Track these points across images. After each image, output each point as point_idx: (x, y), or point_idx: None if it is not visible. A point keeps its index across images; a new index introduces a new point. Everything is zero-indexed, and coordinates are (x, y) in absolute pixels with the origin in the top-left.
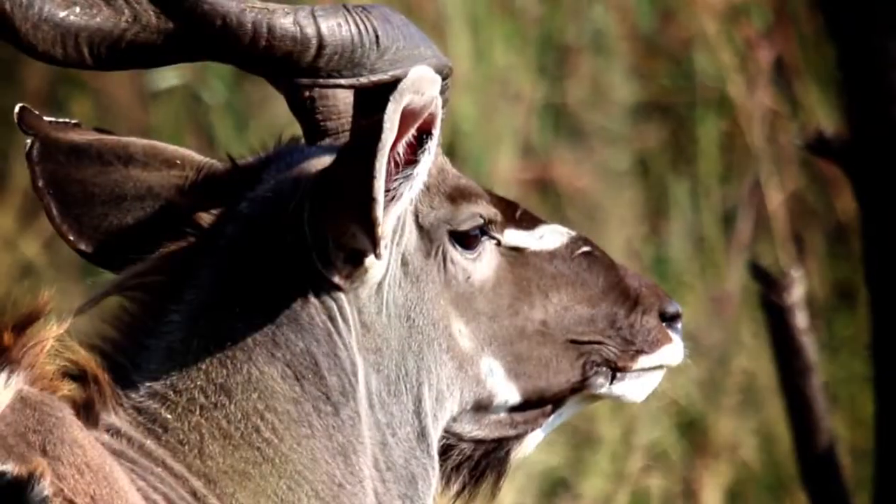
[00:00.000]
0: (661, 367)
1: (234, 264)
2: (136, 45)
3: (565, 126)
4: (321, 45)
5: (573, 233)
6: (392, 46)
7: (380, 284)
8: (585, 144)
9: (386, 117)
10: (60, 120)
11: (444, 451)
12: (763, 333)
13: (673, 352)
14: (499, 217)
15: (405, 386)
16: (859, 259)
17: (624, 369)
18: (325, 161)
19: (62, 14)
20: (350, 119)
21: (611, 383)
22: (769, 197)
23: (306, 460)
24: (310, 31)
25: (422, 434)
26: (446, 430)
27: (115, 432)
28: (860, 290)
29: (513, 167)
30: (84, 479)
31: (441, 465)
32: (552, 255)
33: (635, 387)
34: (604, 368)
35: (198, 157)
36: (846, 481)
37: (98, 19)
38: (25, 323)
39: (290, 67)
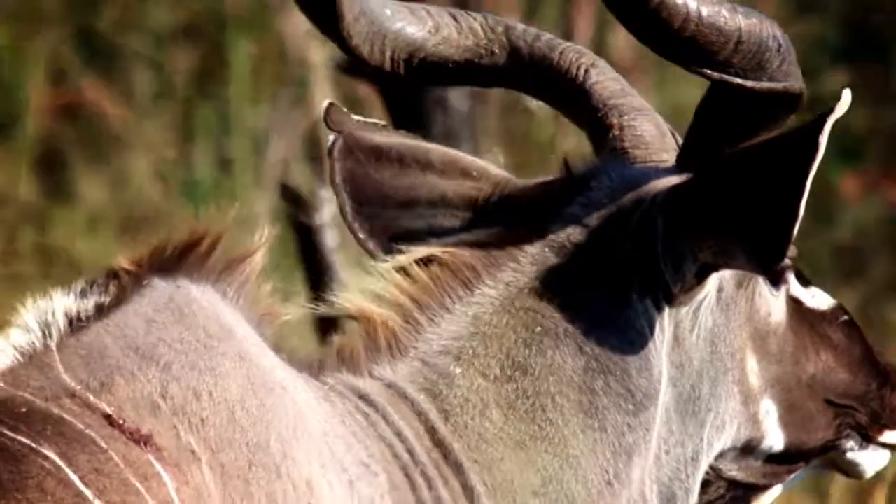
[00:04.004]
0: (894, 447)
1: (560, 259)
2: (433, 60)
3: (97, 51)
4: (739, 41)
5: (835, 301)
6: (787, 58)
7: (699, 305)
8: (117, 69)
9: (822, 137)
10: (368, 120)
11: (702, 486)
12: (294, 253)
13: None
14: (792, 262)
15: (693, 407)
16: None
17: (871, 439)
18: (667, 180)
19: (378, 10)
20: (655, 150)
21: (859, 448)
22: (302, 119)
23: (586, 449)
24: (733, 24)
25: (693, 458)
26: (710, 465)
27: (385, 382)
28: None
29: (43, 94)
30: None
31: (699, 497)
32: (822, 315)
33: (873, 459)
34: (855, 433)
35: (495, 170)
36: None
37: (408, 28)
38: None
39: (706, 58)
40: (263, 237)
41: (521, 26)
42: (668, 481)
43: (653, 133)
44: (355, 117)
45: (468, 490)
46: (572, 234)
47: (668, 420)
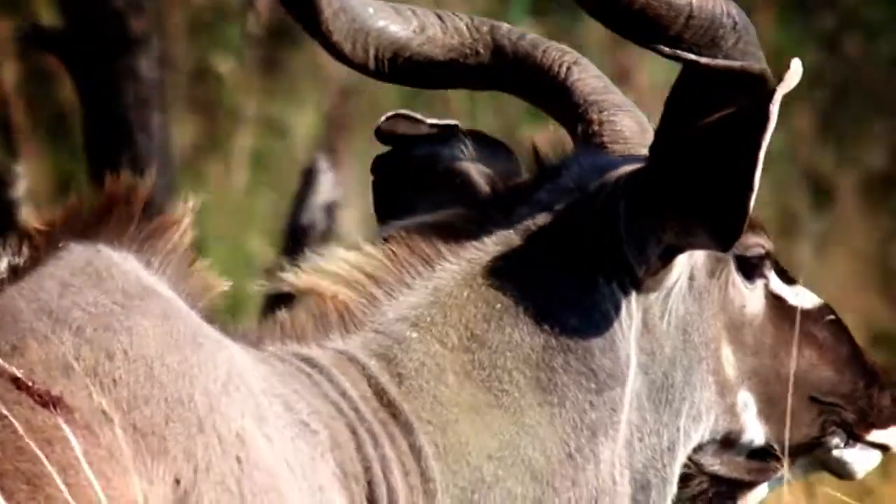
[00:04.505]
0: (884, 447)
1: (525, 241)
2: (418, 59)
3: None
4: (690, 16)
5: (821, 300)
6: (744, 37)
7: (668, 292)
8: None
9: (773, 107)
10: (441, 123)
11: (684, 480)
12: None
13: None
14: (772, 256)
15: (667, 396)
16: (81, 149)
17: (858, 437)
18: (632, 165)
19: (359, 7)
20: (634, 145)
21: (845, 446)
22: None
23: (543, 421)
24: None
25: (669, 448)
26: (690, 458)
27: (334, 350)
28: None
29: None
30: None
31: (679, 493)
32: (807, 314)
33: (861, 458)
34: (841, 431)
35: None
36: None
37: (392, 26)
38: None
39: (657, 33)
40: (188, 207)
41: (505, 26)
42: (642, 468)
43: (632, 129)
44: (429, 121)
45: (416, 450)
46: (539, 217)
47: (641, 407)
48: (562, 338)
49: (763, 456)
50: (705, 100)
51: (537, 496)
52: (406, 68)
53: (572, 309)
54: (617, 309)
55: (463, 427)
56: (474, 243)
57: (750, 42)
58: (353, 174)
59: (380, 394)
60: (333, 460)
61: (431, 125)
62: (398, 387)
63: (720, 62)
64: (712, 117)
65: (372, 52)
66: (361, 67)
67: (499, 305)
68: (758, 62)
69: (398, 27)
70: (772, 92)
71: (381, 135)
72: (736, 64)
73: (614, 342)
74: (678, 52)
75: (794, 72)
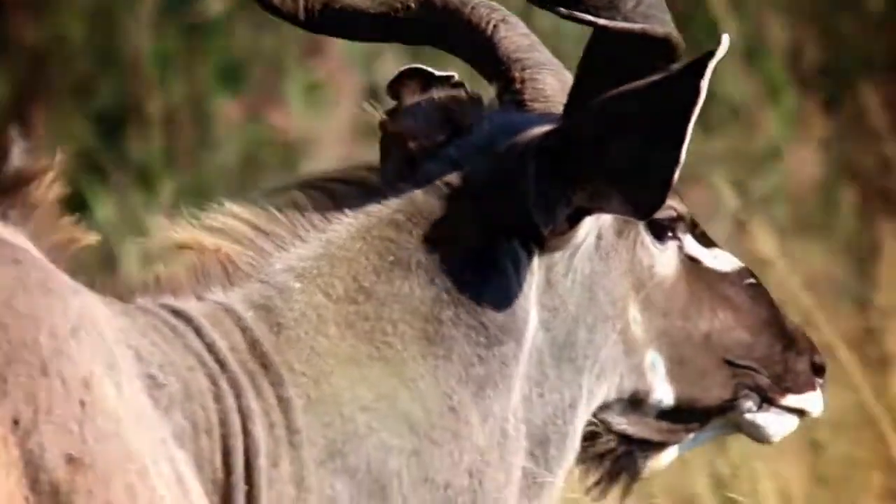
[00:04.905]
0: (801, 412)
1: (426, 195)
2: (348, 11)
3: None
4: None
5: (741, 264)
6: (646, 0)
7: (574, 250)
8: None
9: (703, 82)
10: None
11: (591, 438)
12: None
13: (815, 400)
14: (687, 219)
15: (570, 353)
16: None
17: (772, 401)
18: (546, 126)
19: None
20: (555, 104)
21: (758, 410)
22: None
23: (426, 373)
24: None
25: (571, 405)
26: (597, 417)
27: (213, 302)
28: None
29: None
30: None
31: (585, 451)
32: (724, 276)
33: (776, 423)
34: (754, 394)
35: None
36: None
37: None
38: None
39: None
40: (54, 161)
41: None
42: (541, 424)
43: (554, 87)
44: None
45: (284, 402)
46: (443, 173)
47: (542, 363)
48: (454, 291)
49: (672, 417)
50: (613, 63)
51: (414, 448)
52: (336, 19)
53: (468, 263)
54: (517, 265)
55: (338, 379)
56: (376, 197)
57: (653, 5)
58: (48, 142)
59: (253, 345)
60: (181, 413)
61: (442, 78)
62: (276, 336)
63: (619, 24)
64: (635, 85)
65: (301, 3)
66: (291, 18)
67: (391, 258)
68: (662, 25)
69: None
70: (703, 66)
71: (393, 92)
72: (636, 27)
73: (510, 298)
74: (575, 13)
75: (724, 46)
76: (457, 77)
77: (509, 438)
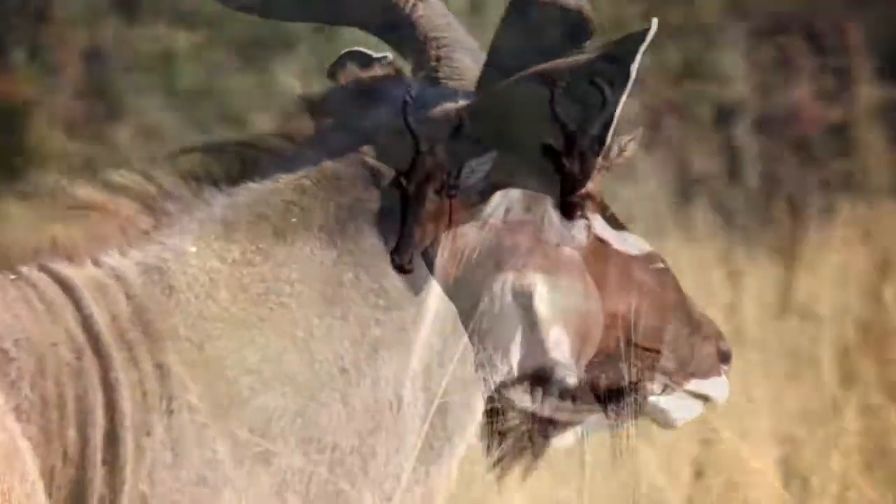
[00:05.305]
0: (705, 398)
1: (334, 162)
2: None
3: None
4: None
5: (651, 248)
6: None
7: (482, 223)
8: None
9: (633, 66)
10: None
11: (496, 414)
12: None
13: (720, 386)
14: (597, 199)
15: (473, 325)
16: None
17: (676, 385)
18: (458, 102)
19: None
20: (470, 81)
21: (661, 392)
22: None
23: (319, 334)
24: None
25: (472, 377)
26: (500, 394)
27: (106, 268)
28: None
29: None
30: None
31: (488, 427)
32: (632, 259)
33: (680, 408)
34: (658, 376)
35: None
36: None
37: None
38: None
39: None
40: None
41: None
42: (440, 393)
43: (469, 65)
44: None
45: (161, 368)
46: (354, 142)
47: (443, 332)
48: (356, 254)
49: (576, 397)
50: (526, 37)
51: (299, 409)
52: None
53: (372, 229)
54: None
55: (225, 342)
56: (285, 164)
57: None
58: None
59: (138, 313)
60: (29, 386)
61: (381, 61)
62: (168, 299)
63: None
64: (556, 64)
65: None
66: (248, 7)
67: (294, 220)
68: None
69: None
70: (635, 50)
71: (333, 75)
72: None
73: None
74: None
75: (653, 30)
76: (390, 57)
77: (405, 404)
